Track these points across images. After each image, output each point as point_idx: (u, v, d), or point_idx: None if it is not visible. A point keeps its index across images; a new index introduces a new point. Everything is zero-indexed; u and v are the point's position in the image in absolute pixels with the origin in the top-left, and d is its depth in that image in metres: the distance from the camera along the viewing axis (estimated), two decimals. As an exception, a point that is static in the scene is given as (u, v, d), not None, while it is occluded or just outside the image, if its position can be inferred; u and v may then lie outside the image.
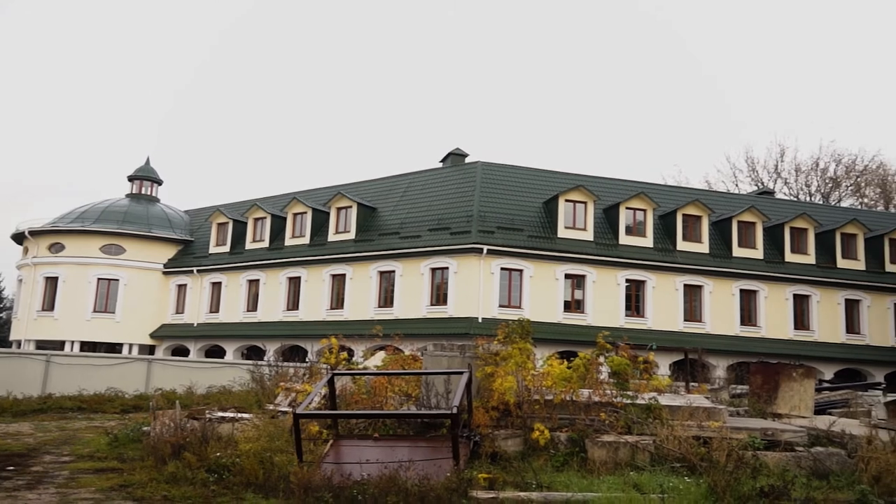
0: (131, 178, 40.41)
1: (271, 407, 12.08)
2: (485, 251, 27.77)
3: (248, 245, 35.09)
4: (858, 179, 52.62)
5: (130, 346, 35.58)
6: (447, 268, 28.44)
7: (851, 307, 31.86)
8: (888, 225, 34.55)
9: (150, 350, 35.90)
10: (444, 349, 11.66)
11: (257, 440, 9.20)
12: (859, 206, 47.82)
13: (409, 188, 32.92)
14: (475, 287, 27.69)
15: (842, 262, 32.15)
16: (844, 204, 49.09)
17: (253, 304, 33.74)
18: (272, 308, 32.82)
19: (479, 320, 26.79)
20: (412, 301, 28.85)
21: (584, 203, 29.73)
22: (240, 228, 35.96)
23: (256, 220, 35.28)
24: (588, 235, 29.46)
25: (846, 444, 10.26)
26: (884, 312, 32.10)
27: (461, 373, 9.57)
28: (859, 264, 32.32)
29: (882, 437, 10.23)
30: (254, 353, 32.00)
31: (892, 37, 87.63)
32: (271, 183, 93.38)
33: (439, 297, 28.55)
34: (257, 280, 33.78)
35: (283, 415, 11.00)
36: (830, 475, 9.08)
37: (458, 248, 28.21)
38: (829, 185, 52.44)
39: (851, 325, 31.71)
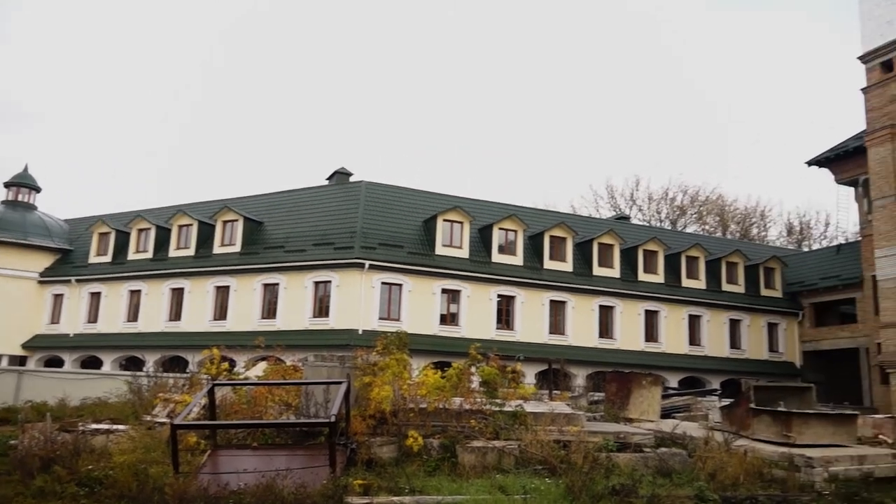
0: (7, 185, 37.49)
1: (149, 418, 11.46)
2: (367, 266, 27.63)
3: (131, 256, 33.29)
4: (701, 209, 56.33)
5: (0, 356, 32.86)
6: (330, 281, 28.09)
7: (694, 322, 33.92)
8: (725, 249, 37.09)
9: (22, 361, 33.24)
10: (325, 360, 11.47)
11: (132, 452, 8.67)
12: (701, 232, 51.08)
13: (295, 204, 32.34)
14: (357, 300, 27.48)
15: (686, 282, 34.19)
16: (689, 230, 52.27)
17: (134, 315, 31.98)
18: (154, 319, 31.23)
19: (360, 332, 26.57)
20: (295, 313, 28.27)
21: (461, 223, 30.19)
22: (122, 239, 34.08)
23: (140, 230, 33.54)
24: (464, 253, 29.90)
25: (687, 445, 10.87)
26: (720, 326, 34.37)
27: (340, 383, 9.43)
28: (701, 284, 34.49)
29: (717, 438, 10.91)
30: (133, 365, 30.21)
31: (727, 86, 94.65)
32: (158, 195, 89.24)
33: (322, 309, 28.12)
34: (139, 291, 32.08)
35: (161, 426, 10.44)
36: (673, 473, 9.58)
37: (341, 263, 27.93)
38: (677, 212, 55.82)
39: (693, 338, 33.75)
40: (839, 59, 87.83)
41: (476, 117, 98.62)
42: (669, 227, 51.70)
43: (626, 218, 44.36)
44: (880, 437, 19.11)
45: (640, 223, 49.45)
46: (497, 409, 10.72)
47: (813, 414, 11.19)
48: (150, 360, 29.98)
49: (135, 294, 32.24)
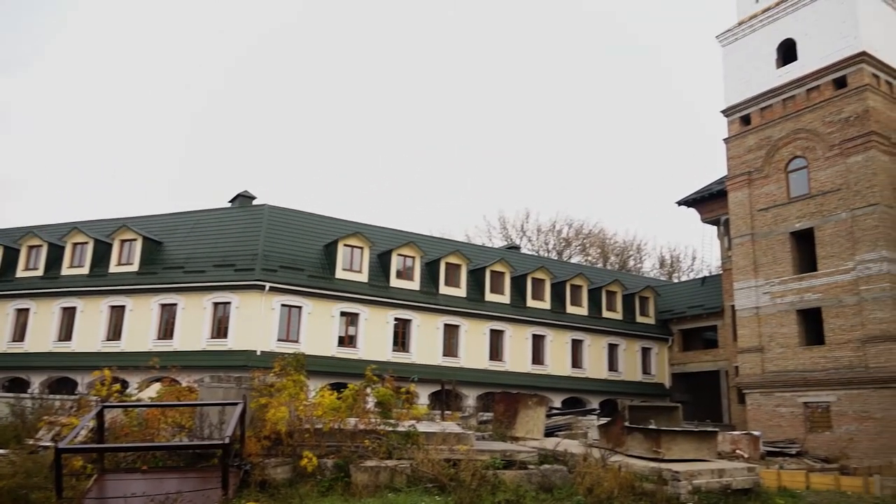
0: None
1: (32, 442, 10.62)
2: (267, 288, 26.94)
3: (20, 273, 30.93)
4: (585, 241, 58.54)
5: None
6: (230, 303, 27.16)
7: (576, 346, 35.01)
8: (605, 279, 38.64)
9: None
10: (221, 381, 11.06)
11: (13, 477, 8.00)
12: (585, 263, 53.01)
13: (197, 225, 31.17)
14: (256, 322, 26.70)
15: (570, 309, 35.31)
16: (574, 260, 54.13)
17: (20, 335, 29.62)
18: (41, 339, 29.06)
19: (258, 353, 25.78)
20: (193, 334, 27.10)
21: (361, 248, 30.02)
22: (11, 255, 31.65)
23: (31, 247, 31.23)
24: (363, 277, 29.71)
25: (568, 462, 11.13)
26: (600, 350, 35.66)
27: (236, 404, 9.11)
28: (583, 310, 35.70)
29: (595, 455, 11.25)
30: (17, 387, 27.98)
31: (613, 129, 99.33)
32: (49, 211, 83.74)
33: (220, 330, 27.11)
34: (27, 309, 29.80)
35: (45, 450, 9.71)
36: (554, 489, 9.79)
37: (241, 285, 27.09)
38: (563, 244, 57.73)
39: (576, 361, 34.81)
40: (712, 110, 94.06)
41: (381, 147, 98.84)
42: (556, 258, 53.32)
43: (517, 248, 45.45)
44: (737, 451, 20.32)
45: (530, 253, 50.74)
46: (391, 429, 10.64)
47: (679, 431, 11.74)
48: (36, 381, 27.89)
49: (22, 313, 29.92)
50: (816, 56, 27.41)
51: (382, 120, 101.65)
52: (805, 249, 27.18)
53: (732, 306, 30.81)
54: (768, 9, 29.54)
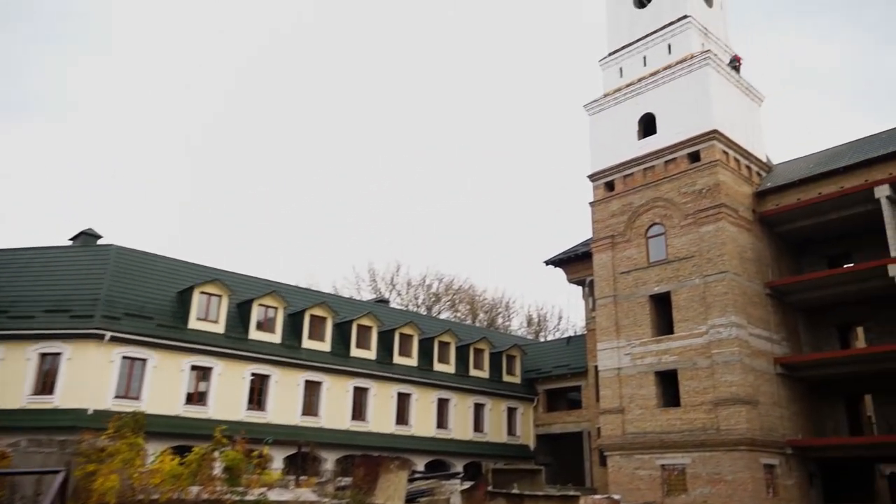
0: None
1: None
2: (107, 337, 24.91)
3: None
4: (454, 297, 59.40)
5: None
6: (60, 353, 24.76)
7: (442, 405, 34.96)
8: (473, 336, 39.15)
9: None
10: (42, 445, 9.94)
11: None
12: (454, 319, 53.63)
13: (27, 264, 28.47)
14: (90, 376, 24.48)
15: (437, 366, 35.35)
16: (443, 316, 54.64)
17: None
18: None
19: (90, 412, 23.57)
20: (11, 390, 24.29)
21: (219, 296, 28.67)
22: None
23: None
24: (220, 328, 28.30)
25: (428, 530, 10.89)
26: (466, 410, 35.80)
27: (56, 471, 8.17)
28: (450, 368, 35.85)
29: (456, 523, 11.09)
30: None
31: (484, 186, 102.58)
32: None
33: (46, 385, 24.50)
34: None
35: None
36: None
37: (76, 333, 24.85)
38: (433, 299, 58.26)
39: (441, 421, 34.68)
40: (581, 173, 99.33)
41: (249, 190, 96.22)
42: (425, 313, 53.60)
43: (386, 301, 45.27)
44: (597, 514, 20.78)
45: (399, 307, 50.71)
46: (238, 497, 9.97)
47: (542, 495, 11.85)
48: None
49: None
50: (673, 131, 29.75)
51: (248, 161, 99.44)
52: (664, 312, 28.92)
53: (596, 367, 32.11)
54: (631, 84, 31.92)
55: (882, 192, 25.85)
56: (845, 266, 28.82)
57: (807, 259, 30.86)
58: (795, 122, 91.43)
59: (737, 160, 29.59)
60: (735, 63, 31.81)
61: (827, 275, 27.94)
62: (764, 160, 31.46)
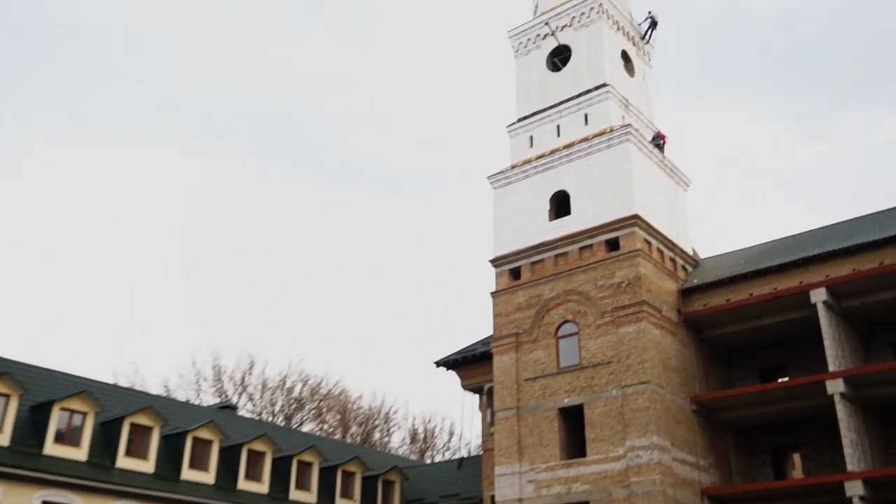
0: None
1: None
2: None
3: None
4: (321, 403, 57.46)
5: None
6: None
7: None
8: (343, 455, 37.45)
9: None
10: None
11: None
12: (319, 432, 51.62)
13: None
14: None
15: (295, 493, 33.33)
16: (306, 428, 52.55)
17: None
18: None
19: None
20: None
21: (7, 396, 26.02)
22: None
23: None
24: (3, 440, 25.54)
25: None
26: (329, 550, 33.76)
27: None
28: (311, 496, 33.89)
29: None
30: None
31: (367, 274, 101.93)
32: None
33: None
34: None
35: None
36: None
37: None
38: (294, 405, 56.08)
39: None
40: (481, 257, 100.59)
41: (59, 275, 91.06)
42: (283, 423, 51.38)
43: (233, 407, 42.97)
44: None
45: (250, 415, 48.38)
46: None
47: None
48: None
49: None
50: (590, 213, 30.46)
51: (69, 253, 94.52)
52: (575, 430, 28.59)
53: (492, 497, 31.15)
54: (543, 156, 32.77)
55: (818, 296, 27.11)
56: (779, 380, 29.81)
57: (737, 371, 31.76)
58: (724, 212, 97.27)
59: (660, 251, 30.53)
60: (659, 141, 33.40)
61: (759, 390, 28.69)
62: (690, 253, 32.69)
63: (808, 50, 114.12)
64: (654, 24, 37.23)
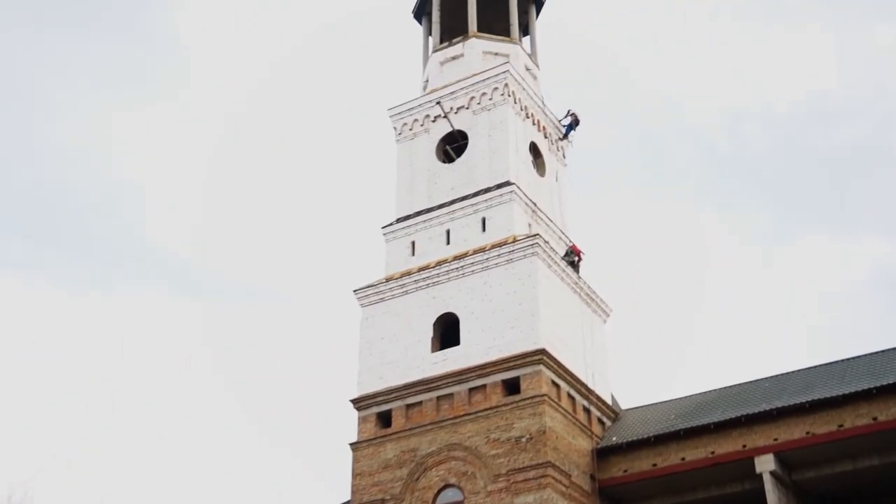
0: None
1: None
2: None
3: None
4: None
5: None
6: None
7: None
8: None
9: None
10: None
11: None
12: None
13: None
14: None
15: None
16: None
17: None
18: None
19: None
20: None
21: None
22: None
23: None
24: None
25: None
26: None
27: None
28: None
29: None
30: None
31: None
32: None
33: None
34: None
35: None
36: None
37: None
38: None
39: None
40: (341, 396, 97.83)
41: None
42: None
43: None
44: None
45: None
46: None
47: None
48: None
49: None
50: (484, 345, 29.65)
51: None
52: None
53: None
54: (427, 267, 32.02)
55: (765, 464, 26.84)
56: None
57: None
58: (654, 349, 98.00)
59: (571, 398, 29.85)
60: (573, 257, 33.22)
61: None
62: (609, 402, 32.20)
63: (759, 163, 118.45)
64: (575, 123, 37.97)
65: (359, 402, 31.05)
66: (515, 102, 35.11)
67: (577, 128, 38.18)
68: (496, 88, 34.97)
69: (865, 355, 30.23)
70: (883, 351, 29.81)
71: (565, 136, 38.09)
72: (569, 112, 38.01)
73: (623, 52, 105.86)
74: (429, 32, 40.07)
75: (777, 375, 31.69)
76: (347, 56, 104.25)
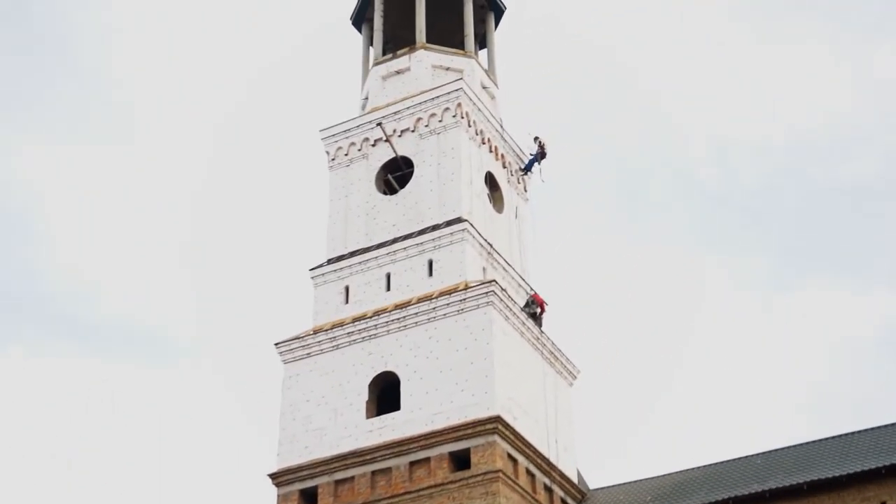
0: None
1: None
2: None
3: None
4: None
5: None
6: None
7: None
8: None
9: None
10: None
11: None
12: None
13: None
14: None
15: None
16: None
17: None
18: None
19: None
20: None
21: None
22: None
23: None
24: None
25: None
26: None
27: None
28: None
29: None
30: None
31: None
32: None
33: None
34: None
35: None
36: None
37: None
38: None
39: None
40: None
41: None
42: None
43: None
44: None
45: None
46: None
47: None
48: None
49: None
50: (428, 410, 29.23)
51: None
52: None
53: None
54: (363, 318, 31.49)
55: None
56: None
57: None
58: (629, 415, 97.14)
59: (531, 475, 29.42)
60: (535, 308, 32.68)
61: None
62: (575, 479, 31.75)
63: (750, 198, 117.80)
64: (541, 154, 37.05)
65: (278, 477, 30.47)
66: (470, 126, 34.75)
67: (544, 161, 37.30)
68: (447, 109, 34.59)
69: (872, 429, 30.00)
70: (892, 424, 29.46)
71: (527, 168, 37.56)
72: (535, 139, 37.16)
73: (601, 65, 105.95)
74: (370, 42, 39.76)
75: (770, 451, 31.57)
76: (280, 72, 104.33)
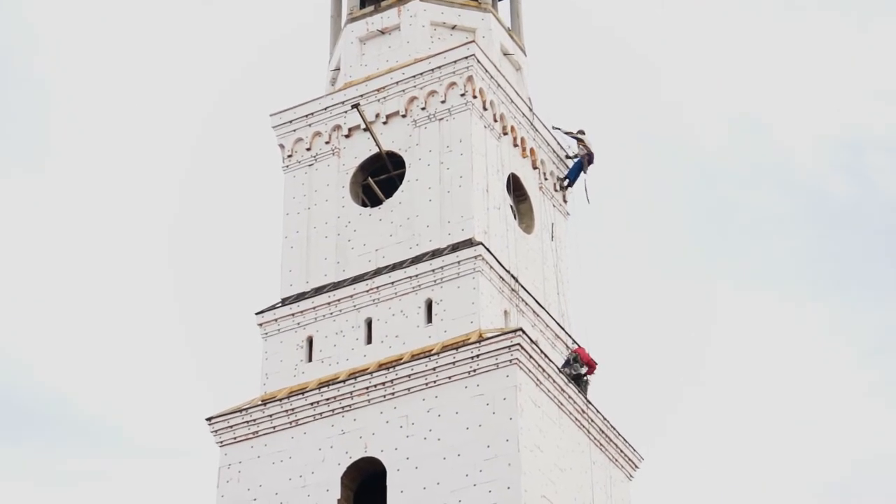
0: None
1: None
2: None
3: None
4: None
5: None
6: None
7: None
8: None
9: None
10: None
11: None
12: None
13: None
14: None
15: None
16: None
17: None
18: None
19: None
20: None
21: None
22: None
23: None
24: None
25: None
26: None
27: None
28: None
29: None
30: None
31: None
32: None
33: None
34: None
35: None
36: None
37: None
38: None
39: None
40: None
41: None
42: None
43: None
44: None
45: None
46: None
47: None
48: None
49: None
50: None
51: None
52: None
53: None
54: (331, 381, 32.06)
55: None
56: None
57: None
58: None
59: None
60: (579, 368, 33.25)
61: None
62: None
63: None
64: (587, 158, 37.54)
65: None
66: (485, 108, 35.02)
67: (591, 165, 37.78)
68: (453, 84, 34.86)
69: None
70: None
71: (570, 178, 38.04)
72: (577, 136, 37.64)
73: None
74: (342, -10, 39.15)
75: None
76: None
